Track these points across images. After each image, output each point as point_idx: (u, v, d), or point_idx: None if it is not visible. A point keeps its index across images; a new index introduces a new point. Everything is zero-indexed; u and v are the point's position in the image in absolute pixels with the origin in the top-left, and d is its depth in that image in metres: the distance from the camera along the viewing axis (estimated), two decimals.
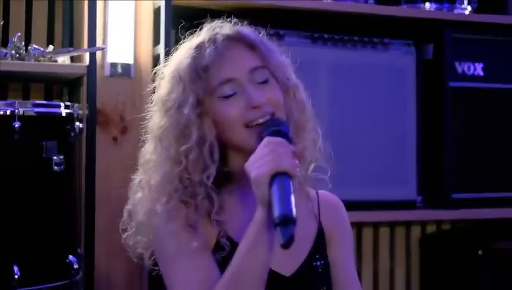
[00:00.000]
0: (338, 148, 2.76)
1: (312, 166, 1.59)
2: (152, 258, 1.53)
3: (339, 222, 1.66)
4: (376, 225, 3.20)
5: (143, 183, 1.54)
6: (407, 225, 3.26)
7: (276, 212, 1.32)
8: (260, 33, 1.58)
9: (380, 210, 2.92)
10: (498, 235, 3.12)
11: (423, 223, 3.28)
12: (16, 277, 2.12)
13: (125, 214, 1.57)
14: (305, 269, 1.55)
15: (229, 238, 1.50)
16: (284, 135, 1.44)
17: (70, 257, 2.28)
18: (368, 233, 3.20)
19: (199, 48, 1.50)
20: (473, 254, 2.96)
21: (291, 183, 1.36)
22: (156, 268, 1.53)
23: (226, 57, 1.49)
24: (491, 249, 2.97)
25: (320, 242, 1.60)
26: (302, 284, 1.54)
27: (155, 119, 1.54)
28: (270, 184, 1.36)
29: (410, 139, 2.97)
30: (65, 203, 2.31)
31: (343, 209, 1.68)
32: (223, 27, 1.53)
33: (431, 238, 3.27)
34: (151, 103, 1.56)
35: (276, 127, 1.45)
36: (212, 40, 1.50)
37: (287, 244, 1.28)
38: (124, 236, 1.55)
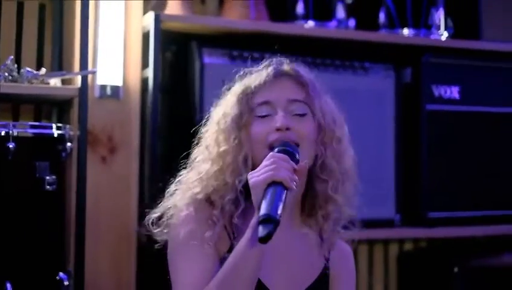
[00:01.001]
0: None
1: (341, 220, 1.71)
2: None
3: (347, 267, 1.77)
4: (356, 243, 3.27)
5: (184, 177, 1.70)
6: (385, 242, 3.33)
7: (261, 210, 1.44)
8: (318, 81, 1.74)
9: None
10: (472, 252, 3.20)
11: (401, 241, 3.36)
12: None
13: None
14: None
15: None
16: (290, 153, 1.56)
17: (61, 274, 2.31)
18: None
19: (255, 74, 1.71)
20: (449, 271, 3.02)
21: (284, 193, 1.48)
22: None
23: (272, 84, 1.68)
24: (466, 266, 3.04)
25: (322, 280, 1.69)
26: None
27: (210, 129, 1.73)
28: (265, 190, 1.48)
29: (389, 160, 3.06)
30: (57, 221, 2.34)
31: (353, 260, 1.79)
32: (282, 63, 1.71)
33: (408, 255, 3.35)
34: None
35: (284, 147, 1.58)
36: (266, 68, 1.69)
37: (263, 239, 1.40)
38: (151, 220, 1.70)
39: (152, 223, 1.70)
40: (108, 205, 2.67)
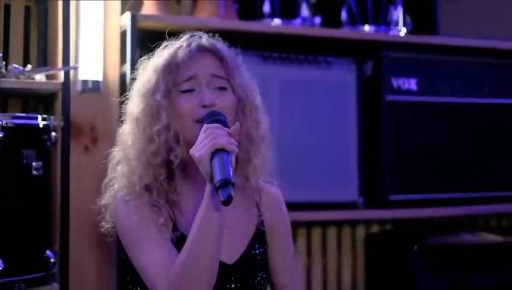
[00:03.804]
0: (288, 156, 3.05)
1: (261, 177, 1.83)
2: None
3: (278, 212, 1.89)
4: (324, 225, 3.42)
5: (122, 158, 1.77)
6: (353, 225, 3.47)
7: (216, 178, 1.55)
8: (235, 53, 1.83)
9: (322, 210, 3.16)
10: (431, 232, 3.35)
11: (366, 223, 3.50)
12: (0, 268, 2.29)
13: (103, 188, 1.84)
14: (246, 257, 1.77)
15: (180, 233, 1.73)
16: (222, 122, 1.67)
17: (48, 252, 2.47)
18: (316, 233, 3.42)
19: (177, 48, 1.77)
20: (409, 250, 3.17)
21: (229, 157, 1.59)
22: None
23: (195, 60, 1.75)
24: (425, 244, 3.18)
25: (260, 232, 1.82)
26: (243, 271, 1.76)
27: (132, 103, 1.80)
28: (211, 160, 1.59)
29: (352, 147, 3.22)
30: (43, 203, 2.50)
31: (282, 200, 1.91)
32: (201, 38, 1.80)
33: (374, 237, 3.50)
34: (132, 89, 1.82)
35: (214, 117, 1.68)
36: (188, 44, 1.76)
37: (226, 201, 1.52)
38: (101, 204, 1.84)
39: (100, 211, 1.82)
40: (91, 190, 2.84)
